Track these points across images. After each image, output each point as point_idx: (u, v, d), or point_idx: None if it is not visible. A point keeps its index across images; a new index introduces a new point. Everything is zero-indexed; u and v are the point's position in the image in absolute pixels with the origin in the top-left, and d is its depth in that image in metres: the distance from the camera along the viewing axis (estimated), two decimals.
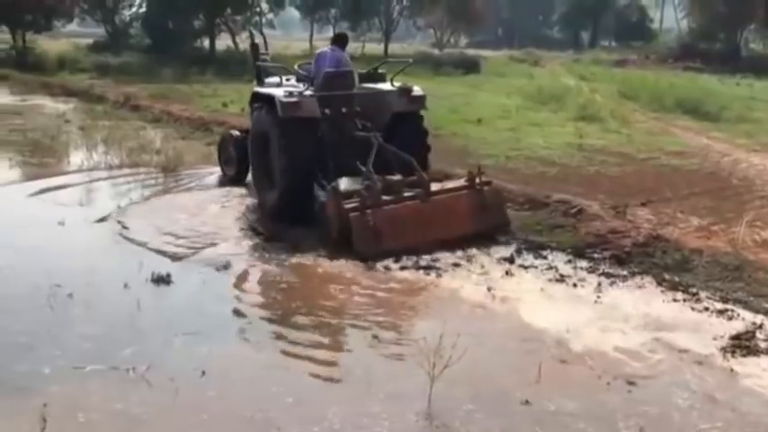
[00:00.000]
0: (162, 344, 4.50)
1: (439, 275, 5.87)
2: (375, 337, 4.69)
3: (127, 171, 9.68)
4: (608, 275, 5.89)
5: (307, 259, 6.20)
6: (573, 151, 10.66)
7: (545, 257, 6.32)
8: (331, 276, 5.86)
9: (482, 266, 6.12)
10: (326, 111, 7.36)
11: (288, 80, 8.11)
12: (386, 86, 8.05)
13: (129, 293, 5.22)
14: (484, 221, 6.87)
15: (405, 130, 7.59)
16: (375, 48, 39.11)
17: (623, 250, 6.24)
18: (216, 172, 9.46)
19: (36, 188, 8.55)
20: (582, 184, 8.47)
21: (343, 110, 7.57)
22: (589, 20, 55.73)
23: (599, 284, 5.71)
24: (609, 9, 54.65)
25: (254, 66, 8.89)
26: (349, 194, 6.60)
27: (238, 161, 8.94)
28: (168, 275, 5.51)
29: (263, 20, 36.98)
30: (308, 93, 7.36)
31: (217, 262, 5.99)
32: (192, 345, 4.51)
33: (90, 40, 36.46)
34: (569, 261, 6.23)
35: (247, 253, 6.37)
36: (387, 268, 6.00)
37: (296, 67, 8.44)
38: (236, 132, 9.32)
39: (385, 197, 6.65)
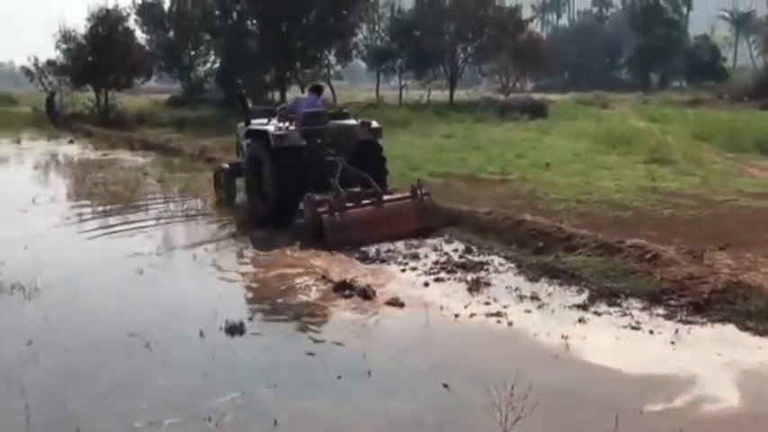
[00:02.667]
0: (237, 395, 4.51)
1: (510, 323, 5.78)
2: (445, 385, 4.62)
3: (203, 221, 10.01)
4: (686, 323, 5.68)
5: (379, 308, 6.20)
6: (645, 194, 10.44)
7: (619, 304, 6.13)
8: (404, 326, 5.83)
9: (553, 313, 6.01)
10: (305, 141, 9.54)
11: (271, 120, 10.21)
12: (351, 122, 10.37)
13: (204, 342, 5.33)
14: (422, 222, 9.01)
15: (367, 154, 9.91)
16: (440, 95, 39.50)
17: (702, 297, 6.00)
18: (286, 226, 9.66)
19: (115, 239, 8.95)
20: (656, 228, 8.25)
21: (318, 140, 9.80)
22: (658, 61, 54.91)
23: (677, 332, 5.51)
24: (679, 49, 53.71)
25: (243, 111, 11.14)
26: (321, 201, 8.68)
27: (227, 187, 11.24)
28: (242, 324, 5.60)
29: (332, 71, 37.89)
30: (292, 128, 9.61)
31: (289, 312, 6.05)
32: (265, 396, 4.52)
33: (167, 96, 38.31)
34: (645, 308, 6.03)
35: (319, 302, 6.41)
36: (456, 315, 5.94)
37: (278, 109, 10.69)
38: (225, 165, 11.55)
39: (348, 204, 8.81)
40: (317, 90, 10.89)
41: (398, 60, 39.37)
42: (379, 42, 39.32)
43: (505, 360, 4.99)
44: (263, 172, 9.73)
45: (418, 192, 9.23)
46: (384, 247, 8.25)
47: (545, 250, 7.65)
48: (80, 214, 10.61)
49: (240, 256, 8.12)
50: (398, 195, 9.47)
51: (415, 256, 7.83)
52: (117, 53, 30.35)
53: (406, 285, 6.79)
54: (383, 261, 7.76)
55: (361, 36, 37.38)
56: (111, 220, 10.23)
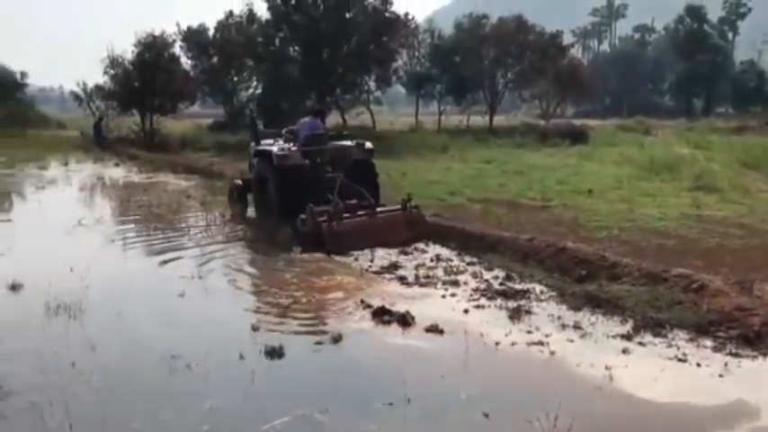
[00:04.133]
0: (288, 419, 4.50)
1: (552, 353, 5.68)
2: (486, 415, 4.55)
3: (243, 245, 10.14)
4: (735, 355, 5.53)
5: (418, 334, 6.16)
6: (690, 223, 10.24)
7: (665, 335, 5.99)
8: (444, 353, 5.77)
9: (596, 342, 5.91)
10: (307, 160, 10.80)
11: (277, 141, 11.65)
12: (347, 142, 11.63)
13: (244, 365, 5.35)
14: (410, 232, 10.01)
15: (361, 172, 10.97)
16: (479, 120, 39.51)
17: (752, 329, 5.82)
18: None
19: (158, 261, 9.07)
20: (702, 258, 8.06)
21: (318, 159, 11.00)
22: (702, 86, 54.16)
23: (726, 365, 5.36)
24: (724, 75, 52.91)
25: (252, 133, 12.72)
26: (321, 212, 9.65)
27: (240, 200, 12.56)
28: (281, 348, 5.61)
29: (371, 97, 38.23)
30: (294, 148, 10.91)
31: (328, 336, 6.04)
32: (306, 420, 4.51)
33: (210, 121, 39.06)
34: (691, 339, 5.89)
35: (358, 327, 6.40)
36: (497, 343, 5.87)
37: (283, 131, 11.93)
38: (238, 181, 13.00)
39: (345, 214, 9.79)
40: (319, 114, 12.21)
41: (438, 86, 39.61)
42: (418, 68, 39.55)
43: (547, 390, 4.89)
44: (269, 188, 11.04)
45: (408, 205, 10.28)
46: (422, 272, 8.25)
47: (588, 278, 7.54)
48: (124, 236, 10.82)
49: (279, 280, 8.15)
50: (390, 208, 10.55)
51: (455, 283, 7.79)
52: (162, 79, 31.23)
53: (446, 312, 6.74)
54: (422, 286, 7.74)
55: (400, 62, 37.66)
56: (154, 243, 10.37)
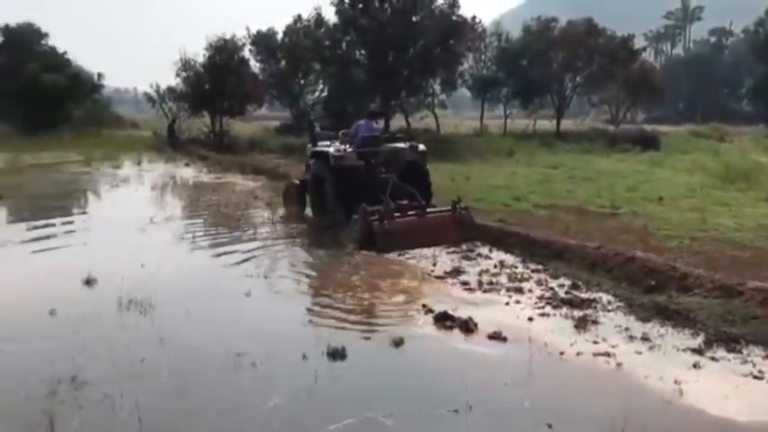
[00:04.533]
0: (353, 421, 4.53)
1: (619, 364, 5.54)
2: (549, 426, 4.48)
3: (308, 244, 10.28)
4: None
5: (481, 341, 6.13)
6: None
7: (739, 351, 5.77)
8: (507, 361, 5.71)
9: (665, 355, 5.74)
10: (362, 161, 11.19)
11: (333, 142, 12.09)
12: (401, 144, 11.99)
13: (307, 365, 5.41)
14: (459, 233, 10.25)
15: (414, 173, 11.35)
16: (546, 125, 38.96)
17: None
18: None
19: (225, 259, 9.28)
20: None
21: (372, 160, 11.39)
22: None
23: None
24: None
25: (309, 135, 13.19)
26: (372, 212, 9.95)
27: (297, 199, 12.99)
28: (343, 349, 5.65)
29: (436, 100, 38.16)
30: (350, 150, 11.26)
31: (390, 340, 6.04)
32: (372, 423, 4.54)
33: (277, 123, 39.75)
34: None
35: (420, 331, 6.39)
36: (561, 353, 5.77)
37: (340, 134, 12.56)
38: (296, 181, 13.46)
39: (396, 214, 10.11)
40: (375, 116, 12.39)
41: (504, 89, 39.22)
42: (484, 71, 39.29)
43: (613, 403, 4.77)
44: (325, 188, 11.37)
45: (457, 207, 10.49)
46: (486, 278, 8.19)
47: (657, 289, 7.33)
48: (193, 234, 11.10)
49: (342, 281, 8.22)
50: (440, 209, 10.81)
51: (519, 290, 7.70)
52: (232, 81, 31.94)
53: (510, 319, 6.67)
54: (486, 292, 7.68)
55: (466, 65, 37.46)
56: (222, 241, 10.61)
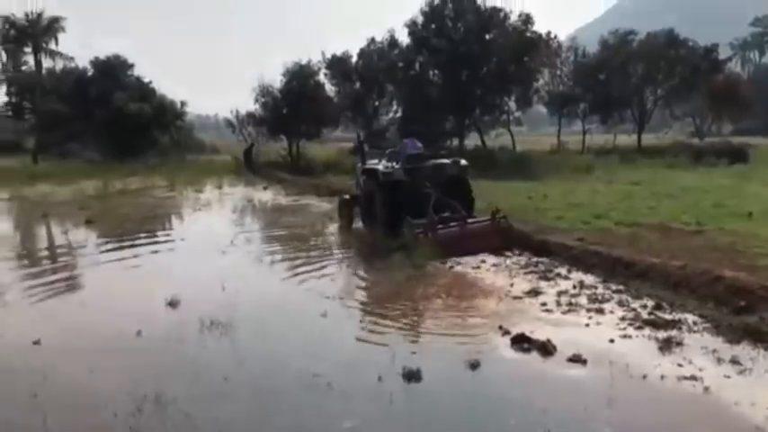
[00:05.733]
0: None
1: (706, 389, 5.34)
2: None
3: (381, 265, 10.28)
4: None
5: (559, 363, 6.02)
6: None
7: None
8: (587, 384, 5.60)
9: (757, 380, 5.51)
10: (408, 177, 12.15)
11: (381, 161, 13.26)
12: (444, 160, 12.98)
13: (382, 387, 5.44)
14: (499, 241, 11.05)
15: (456, 186, 12.33)
16: (627, 139, 38.02)
17: None
18: (465, 266, 9.84)
19: (301, 280, 9.46)
20: None
21: (417, 176, 12.29)
22: None
23: None
24: None
25: (359, 154, 15.06)
26: (417, 225, 11.08)
27: (348, 214, 14.19)
28: (419, 371, 5.65)
29: (511, 117, 37.83)
30: (397, 166, 12.39)
31: (465, 362, 6.01)
32: None
33: (351, 144, 40.20)
34: None
35: (496, 354, 6.34)
36: (644, 376, 5.61)
37: (387, 152, 13.67)
38: (346, 197, 14.67)
39: (439, 226, 11.04)
40: (417, 133, 13.84)
41: (581, 104, 38.46)
42: (561, 87, 38.70)
43: (700, 430, 4.61)
44: (375, 202, 12.36)
45: (496, 216, 11.36)
46: (565, 298, 8.06)
47: (747, 310, 7.02)
48: (272, 256, 11.39)
49: (417, 302, 8.25)
50: (480, 219, 11.71)
51: (600, 311, 7.54)
52: (307, 105, 32.56)
53: (590, 341, 6.53)
54: (565, 313, 7.54)
55: (542, 81, 37.04)
56: (298, 263, 10.78)
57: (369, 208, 12.87)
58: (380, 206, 12.18)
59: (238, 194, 22.74)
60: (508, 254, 10.81)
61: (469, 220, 11.54)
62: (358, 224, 13.79)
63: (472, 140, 36.60)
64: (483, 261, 10.38)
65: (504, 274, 9.53)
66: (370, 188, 12.71)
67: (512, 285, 8.84)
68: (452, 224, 11.29)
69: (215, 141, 52.56)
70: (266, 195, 22.52)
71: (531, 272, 9.60)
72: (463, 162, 12.97)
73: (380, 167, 12.53)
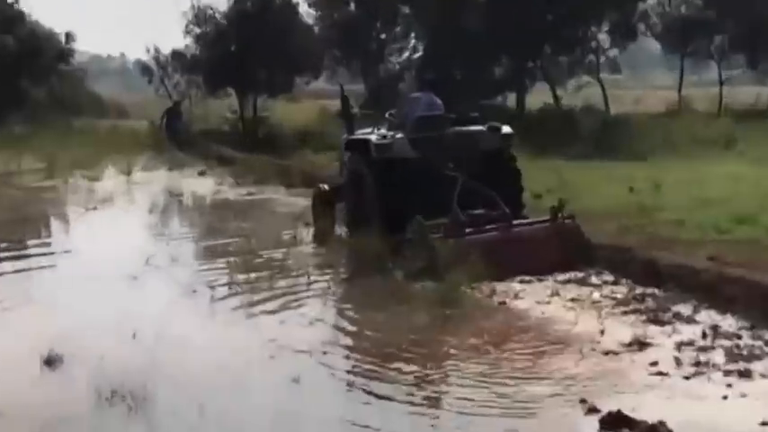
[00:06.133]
0: None
1: None
2: None
3: (381, 300, 10.32)
4: None
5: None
6: None
7: None
8: None
9: None
10: (418, 152, 12.15)
11: (379, 129, 13.07)
12: (476, 127, 12.95)
13: None
14: (563, 252, 11.22)
15: (494, 168, 12.41)
16: None
17: None
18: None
19: (262, 323, 9.54)
20: None
21: (433, 151, 12.26)
22: None
23: None
24: None
25: (344, 118, 14.73)
26: (433, 227, 11.11)
27: (324, 214, 14.17)
28: None
29: (602, 58, 37.58)
30: (399, 135, 12.27)
31: None
32: None
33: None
34: None
35: None
36: None
37: (387, 115, 13.67)
38: (325, 187, 14.64)
39: (468, 229, 11.20)
40: (433, 86, 13.72)
41: (717, 37, 38.16)
42: (683, 8, 38.45)
43: None
44: (365, 192, 12.52)
45: (559, 214, 11.59)
46: (688, 354, 8.06)
47: None
48: (211, 285, 11.35)
49: (451, 355, 8.40)
50: (533, 219, 12.13)
51: (746, 374, 7.52)
52: (271, 39, 32.19)
53: (729, 423, 6.52)
54: (688, 378, 7.54)
55: (651, 1, 36.91)
56: (256, 298, 10.78)
57: (356, 203, 13.03)
58: (373, 198, 12.29)
59: (158, 184, 22.82)
60: (595, 280, 10.86)
61: (517, 222, 11.76)
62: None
63: (538, 96, 36.46)
64: (555, 293, 10.39)
65: (591, 314, 9.51)
66: (357, 171, 12.89)
67: (602, 333, 8.86)
68: (489, 227, 11.47)
69: (121, 98, 52.30)
70: (204, 185, 22.60)
71: (634, 311, 9.61)
72: (506, 129, 13.04)
73: (373, 138, 12.51)
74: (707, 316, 9.34)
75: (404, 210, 11.46)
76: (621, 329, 8.93)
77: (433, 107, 13.03)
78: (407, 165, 12.00)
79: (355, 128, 14.23)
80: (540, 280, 10.73)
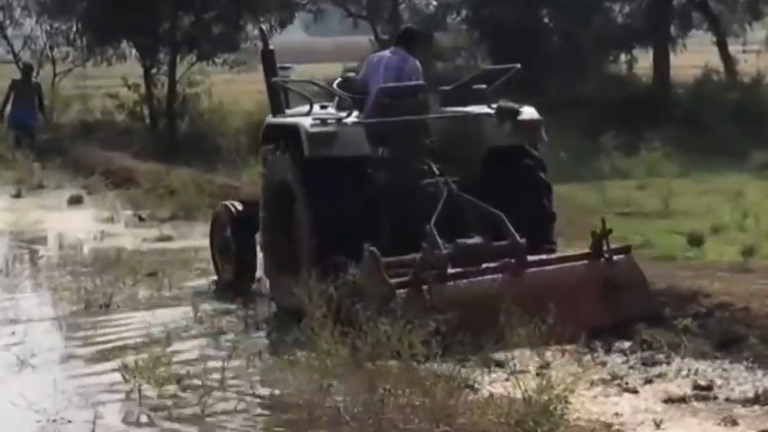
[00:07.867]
0: None
1: None
2: None
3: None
4: None
5: None
6: None
7: None
8: None
9: None
10: (380, 147, 12.75)
11: (324, 107, 13.82)
12: (479, 109, 13.32)
13: None
14: (613, 306, 11.62)
15: (508, 174, 12.74)
16: None
17: None
18: None
19: None
20: None
21: (408, 145, 12.98)
22: None
23: None
24: None
25: (268, 84, 14.94)
26: (396, 263, 11.40)
27: (238, 250, 14.90)
28: None
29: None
30: (350, 120, 12.73)
31: None
32: None
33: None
34: None
35: None
36: None
37: (334, 85, 14.12)
38: (235, 205, 15.52)
39: (452, 270, 11.50)
40: (412, 41, 14.26)
41: None
42: None
43: None
44: (294, 209, 12.97)
45: (603, 245, 11.91)
46: None
47: None
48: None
49: None
50: (565, 254, 12.53)
51: None
52: None
53: None
54: None
55: None
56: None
57: (281, 233, 13.45)
58: (305, 217, 12.51)
59: None
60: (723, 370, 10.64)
61: (533, 260, 11.93)
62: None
63: (690, 58, 35.71)
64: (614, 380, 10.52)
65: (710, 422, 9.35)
66: (282, 175, 13.16)
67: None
68: (487, 265, 11.66)
69: None
70: (81, 223, 22.18)
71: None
72: (527, 113, 13.22)
73: (307, 123, 12.55)
74: None
75: (352, 237, 11.51)
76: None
77: (405, 73, 13.23)
78: (361, 169, 12.32)
79: (291, 104, 14.49)
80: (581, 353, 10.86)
